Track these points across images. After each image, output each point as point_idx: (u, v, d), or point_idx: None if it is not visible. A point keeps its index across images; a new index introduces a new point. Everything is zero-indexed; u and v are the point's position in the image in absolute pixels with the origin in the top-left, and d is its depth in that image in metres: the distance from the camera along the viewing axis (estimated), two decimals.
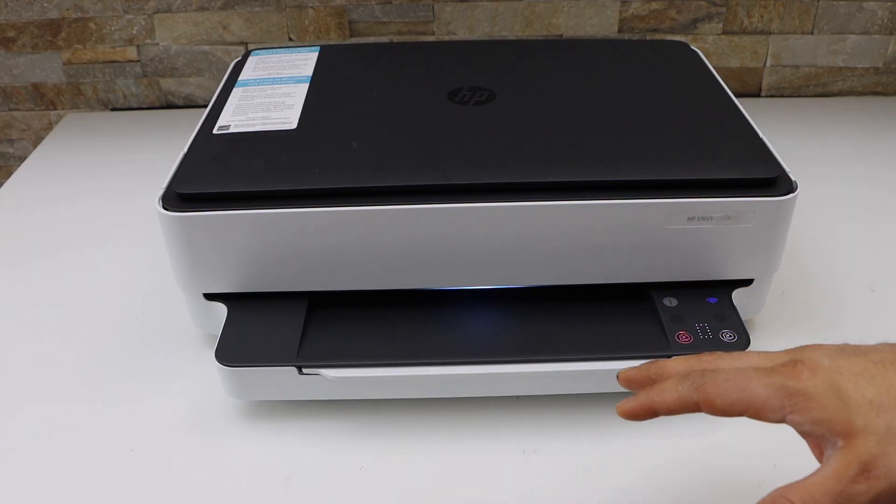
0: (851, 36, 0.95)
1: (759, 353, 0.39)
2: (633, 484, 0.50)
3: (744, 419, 0.38)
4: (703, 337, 0.52)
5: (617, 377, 0.43)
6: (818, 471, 0.34)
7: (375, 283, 0.55)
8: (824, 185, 0.80)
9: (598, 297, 0.56)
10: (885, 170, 0.83)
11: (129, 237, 0.75)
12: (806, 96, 1.00)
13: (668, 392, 0.38)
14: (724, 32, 0.96)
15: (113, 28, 0.96)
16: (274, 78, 0.66)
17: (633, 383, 0.42)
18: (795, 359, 0.36)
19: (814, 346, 0.38)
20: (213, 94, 0.65)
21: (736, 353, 0.39)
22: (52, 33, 0.96)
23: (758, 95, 1.00)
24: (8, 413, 0.56)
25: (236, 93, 0.64)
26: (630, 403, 0.39)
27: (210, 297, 0.56)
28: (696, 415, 0.54)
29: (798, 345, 0.44)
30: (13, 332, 0.64)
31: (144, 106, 1.02)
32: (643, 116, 0.59)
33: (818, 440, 0.35)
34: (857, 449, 0.33)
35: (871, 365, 0.35)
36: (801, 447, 0.52)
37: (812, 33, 0.95)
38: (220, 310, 0.55)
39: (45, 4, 0.94)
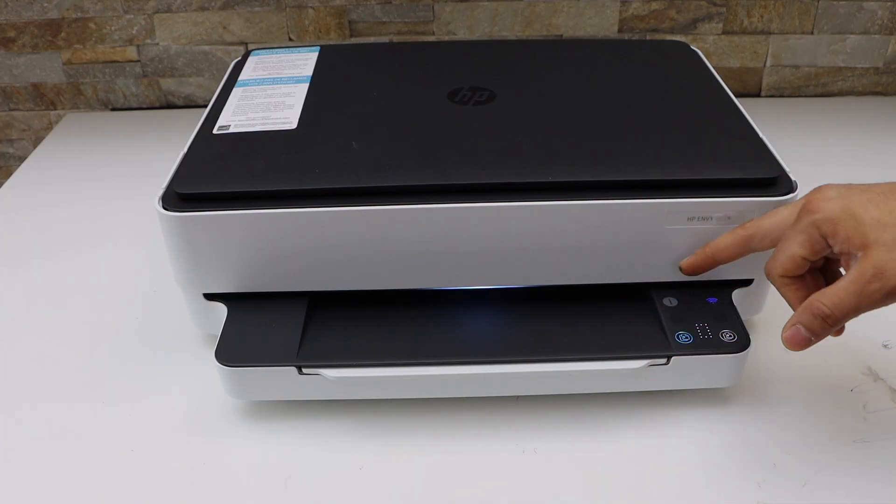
0: (851, 36, 0.95)
1: (787, 206, 0.48)
2: (633, 484, 0.50)
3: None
4: (703, 337, 0.52)
5: (681, 269, 0.53)
6: (842, 279, 0.43)
7: (375, 283, 0.55)
8: None
9: (598, 297, 0.56)
10: (885, 170, 0.83)
11: (129, 237, 0.75)
12: (806, 96, 1.00)
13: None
14: (724, 32, 0.96)
15: (113, 28, 0.96)
16: (274, 78, 0.66)
17: (698, 269, 0.52)
18: (810, 198, 0.45)
19: (822, 185, 0.46)
20: (213, 94, 0.65)
21: (770, 212, 0.49)
22: (52, 33, 0.96)
23: (758, 95, 1.00)
24: (8, 413, 0.56)
25: (236, 93, 0.64)
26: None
27: (210, 297, 0.56)
28: (694, 413, 0.55)
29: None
30: (13, 332, 0.64)
31: (144, 106, 1.02)
32: (643, 116, 0.59)
33: (846, 256, 0.44)
34: (872, 258, 0.42)
35: (874, 195, 0.43)
36: (801, 447, 0.52)
37: (812, 33, 0.95)
38: (220, 310, 0.55)
39: (45, 4, 0.94)
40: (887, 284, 0.41)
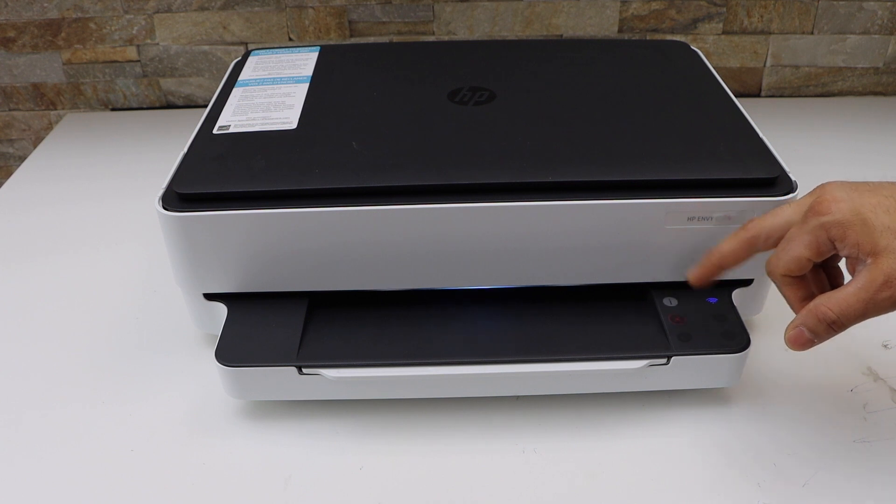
0: (851, 36, 0.95)
1: (791, 204, 0.46)
2: (633, 484, 0.50)
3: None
4: (703, 337, 0.52)
5: (688, 281, 0.51)
6: (850, 283, 0.42)
7: (376, 283, 0.55)
8: None
9: (599, 297, 0.56)
10: (885, 170, 0.83)
11: (129, 237, 0.75)
12: (806, 96, 1.00)
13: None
14: (724, 32, 0.96)
15: (113, 28, 0.96)
16: (274, 78, 0.66)
17: (706, 277, 0.50)
18: (817, 198, 0.44)
19: (827, 183, 0.45)
20: (213, 94, 0.65)
21: (772, 211, 0.47)
22: (52, 33, 0.96)
23: (758, 95, 1.00)
24: (8, 413, 0.56)
25: (236, 93, 0.64)
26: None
27: (210, 297, 0.56)
28: (694, 413, 0.55)
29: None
30: (13, 332, 0.64)
31: (144, 106, 1.02)
32: (643, 116, 0.59)
33: (853, 260, 0.43)
34: (882, 265, 0.41)
35: (884, 199, 0.42)
36: (801, 447, 0.52)
37: (812, 33, 0.95)
38: (220, 310, 0.55)
39: (45, 4, 0.94)
40: None
